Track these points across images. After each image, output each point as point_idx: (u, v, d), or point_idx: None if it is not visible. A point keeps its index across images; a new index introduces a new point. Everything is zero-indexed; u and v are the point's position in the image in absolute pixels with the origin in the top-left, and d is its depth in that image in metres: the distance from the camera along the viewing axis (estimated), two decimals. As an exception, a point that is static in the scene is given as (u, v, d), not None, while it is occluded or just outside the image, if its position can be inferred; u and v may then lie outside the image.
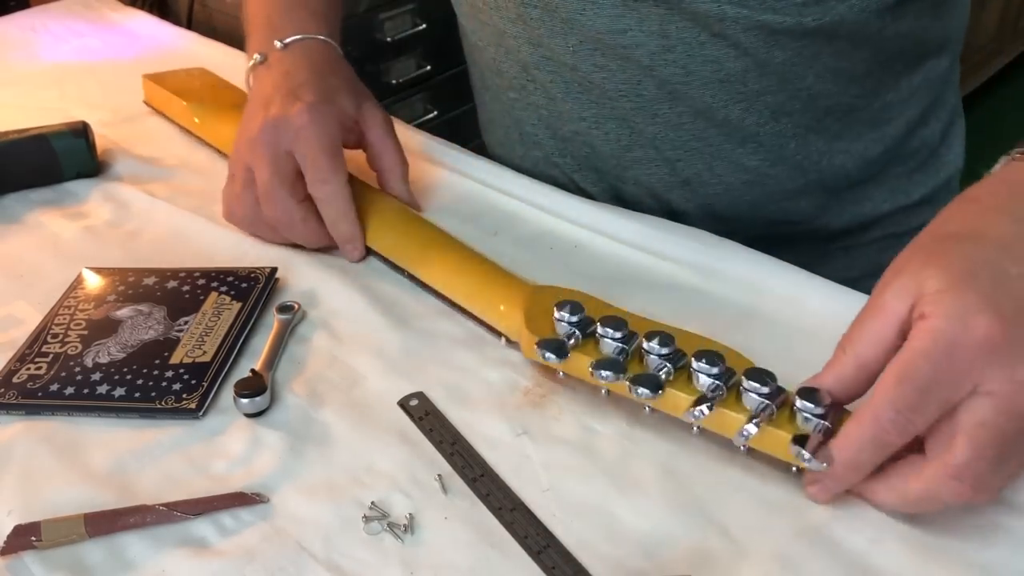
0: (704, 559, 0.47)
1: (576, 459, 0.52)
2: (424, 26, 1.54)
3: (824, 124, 0.72)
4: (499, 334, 0.60)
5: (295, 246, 0.71)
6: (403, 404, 0.56)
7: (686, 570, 0.46)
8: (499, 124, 0.84)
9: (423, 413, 0.56)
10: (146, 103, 0.94)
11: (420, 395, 0.57)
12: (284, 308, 0.63)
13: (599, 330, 0.53)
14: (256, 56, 0.72)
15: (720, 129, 0.71)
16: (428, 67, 1.58)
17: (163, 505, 0.50)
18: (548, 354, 0.53)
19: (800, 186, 0.74)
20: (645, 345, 0.51)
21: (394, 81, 1.56)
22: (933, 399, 0.43)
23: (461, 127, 1.62)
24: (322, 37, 0.73)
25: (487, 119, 0.88)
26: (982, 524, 0.47)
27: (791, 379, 0.51)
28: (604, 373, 0.51)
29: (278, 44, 0.71)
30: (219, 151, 0.85)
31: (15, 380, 0.58)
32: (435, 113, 1.61)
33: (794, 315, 0.61)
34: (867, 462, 0.46)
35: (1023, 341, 0.42)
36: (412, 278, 0.66)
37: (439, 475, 0.51)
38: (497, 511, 0.49)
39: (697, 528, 0.48)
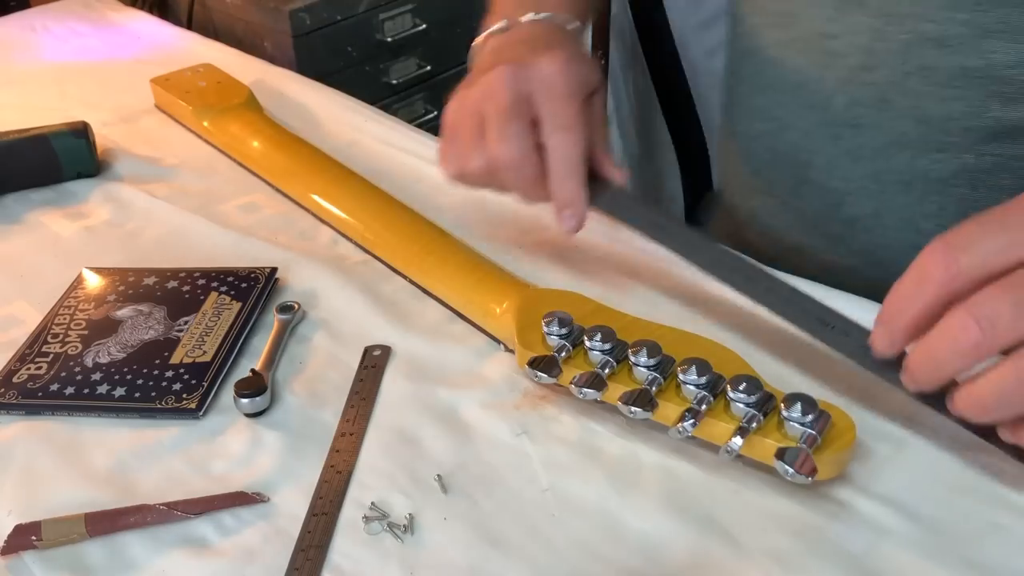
0: (704, 559, 0.47)
1: (576, 459, 0.52)
2: (424, 26, 1.54)
3: None
4: (498, 341, 0.60)
5: (295, 247, 0.71)
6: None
7: (686, 570, 0.46)
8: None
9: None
10: (157, 107, 0.94)
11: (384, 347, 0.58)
12: (284, 308, 0.63)
13: (586, 342, 0.53)
14: (501, 23, 0.66)
15: (899, 176, 0.65)
16: (428, 67, 1.58)
17: (163, 505, 0.50)
18: (539, 374, 0.53)
19: None
20: (632, 358, 0.51)
21: (394, 81, 1.56)
22: (984, 235, 0.42)
23: (461, 127, 1.61)
24: (573, 24, 0.67)
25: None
26: (982, 524, 0.47)
27: (786, 381, 0.51)
28: (585, 391, 0.51)
29: (525, 17, 0.66)
30: (227, 154, 0.85)
31: (15, 380, 0.58)
32: (435, 113, 1.61)
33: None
34: (908, 305, 0.44)
35: None
36: (413, 281, 0.66)
37: (439, 475, 0.51)
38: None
39: (697, 528, 0.48)
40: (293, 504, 0.51)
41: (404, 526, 0.49)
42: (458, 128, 0.62)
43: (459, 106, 0.62)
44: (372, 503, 0.50)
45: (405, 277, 0.67)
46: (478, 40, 0.68)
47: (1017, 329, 0.41)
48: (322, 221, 0.74)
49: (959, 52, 0.59)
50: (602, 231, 0.70)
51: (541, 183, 0.59)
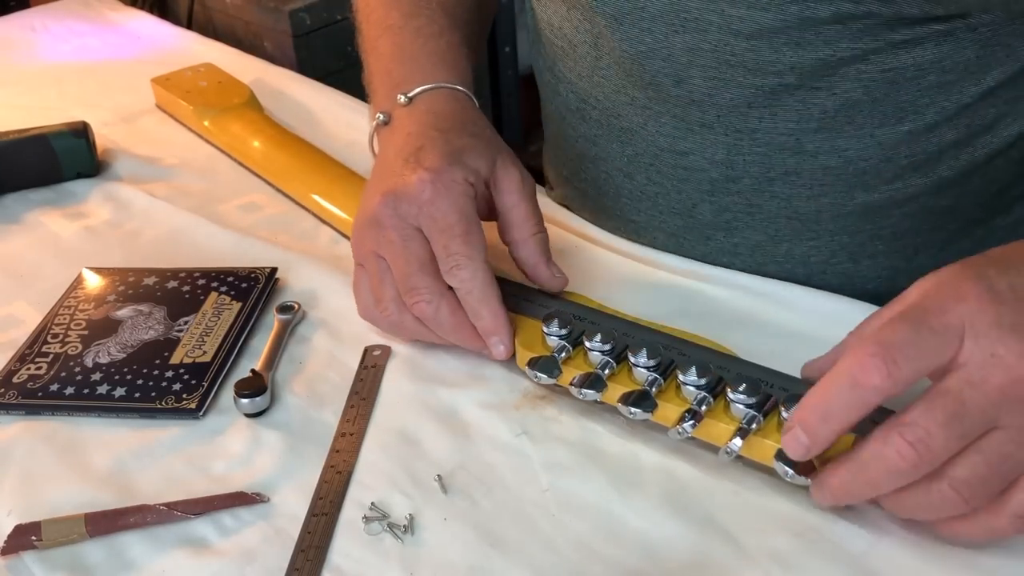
0: (704, 559, 0.47)
1: (576, 459, 0.52)
2: (424, 26, 1.54)
3: (915, 263, 0.64)
4: None
5: (295, 247, 0.71)
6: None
7: (686, 570, 0.46)
8: (555, 183, 0.80)
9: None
10: (158, 106, 0.94)
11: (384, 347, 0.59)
12: (284, 308, 0.63)
13: (586, 343, 0.53)
14: (379, 116, 0.63)
15: (781, 266, 0.65)
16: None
17: (163, 505, 0.50)
18: (539, 374, 0.53)
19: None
20: (632, 358, 0.51)
21: (394, 81, 1.56)
22: (920, 341, 0.41)
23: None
24: (450, 85, 0.63)
25: (549, 170, 0.82)
26: (982, 524, 0.47)
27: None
28: (585, 391, 0.51)
29: (401, 99, 0.62)
30: (227, 153, 0.85)
31: (15, 380, 0.58)
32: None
33: (788, 318, 0.61)
34: (839, 410, 0.42)
35: (1012, 321, 0.40)
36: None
37: (439, 475, 0.51)
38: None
39: (697, 528, 0.48)
40: (293, 504, 0.51)
41: (404, 526, 0.49)
42: (363, 265, 0.59)
43: (359, 244, 0.59)
44: (372, 503, 0.50)
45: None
46: (370, 132, 0.65)
47: (949, 448, 0.41)
48: (322, 221, 0.74)
49: (817, 155, 0.60)
50: (601, 231, 0.70)
51: (462, 322, 0.56)
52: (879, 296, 0.63)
